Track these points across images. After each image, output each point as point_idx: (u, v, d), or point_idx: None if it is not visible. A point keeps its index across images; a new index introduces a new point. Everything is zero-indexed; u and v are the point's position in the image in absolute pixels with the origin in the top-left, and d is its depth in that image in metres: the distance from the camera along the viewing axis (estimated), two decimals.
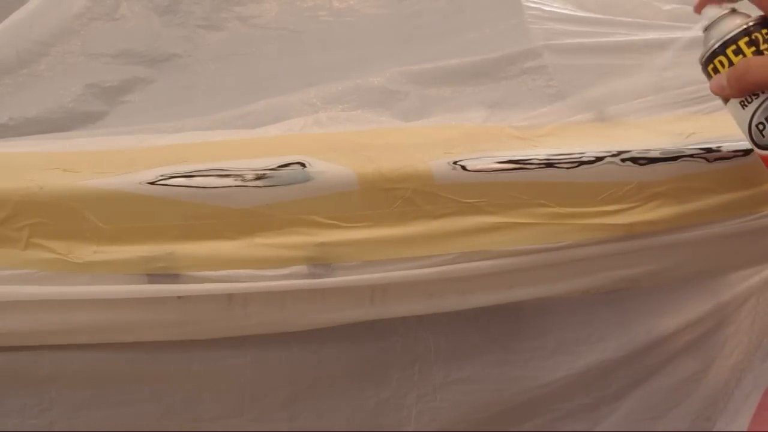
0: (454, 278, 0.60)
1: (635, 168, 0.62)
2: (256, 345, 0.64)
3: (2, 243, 0.52)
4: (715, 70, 0.54)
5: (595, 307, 0.77)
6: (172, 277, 0.55)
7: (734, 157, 0.65)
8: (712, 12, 0.55)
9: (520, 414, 0.78)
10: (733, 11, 0.54)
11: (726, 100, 0.55)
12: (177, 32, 0.86)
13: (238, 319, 0.58)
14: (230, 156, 0.59)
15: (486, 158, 0.60)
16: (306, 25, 0.87)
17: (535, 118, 0.74)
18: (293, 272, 0.57)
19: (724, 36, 0.53)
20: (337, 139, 0.69)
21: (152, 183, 0.54)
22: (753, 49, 0.52)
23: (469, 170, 0.59)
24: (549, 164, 0.61)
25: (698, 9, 0.56)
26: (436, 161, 0.59)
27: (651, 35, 0.84)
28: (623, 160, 0.62)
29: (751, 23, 0.53)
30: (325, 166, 0.57)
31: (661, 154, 0.63)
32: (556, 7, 0.86)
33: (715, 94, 0.55)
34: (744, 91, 0.53)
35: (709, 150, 0.64)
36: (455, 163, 0.59)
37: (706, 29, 0.55)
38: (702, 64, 0.56)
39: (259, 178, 0.55)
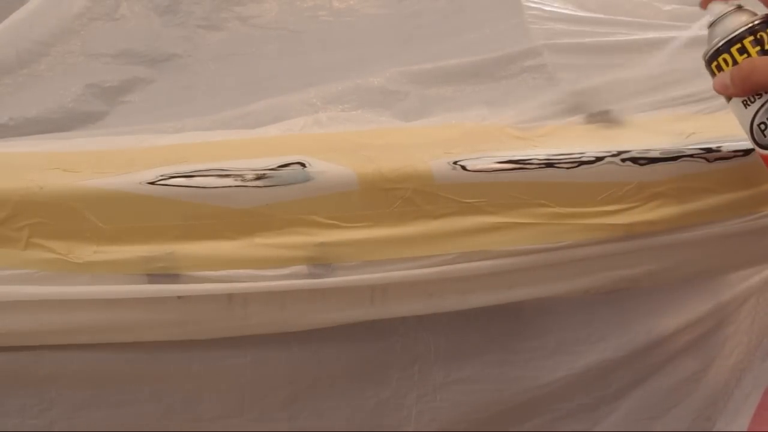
0: (454, 278, 0.60)
1: (635, 168, 0.62)
2: (256, 345, 0.64)
3: (2, 243, 0.52)
4: (719, 68, 0.54)
5: (595, 307, 0.77)
6: (172, 277, 0.55)
7: (734, 157, 0.65)
8: (717, 8, 0.54)
9: (520, 414, 0.78)
10: (739, 8, 0.53)
11: (728, 98, 0.55)
12: (177, 32, 0.86)
13: (238, 319, 0.58)
14: (230, 156, 0.59)
15: (486, 158, 0.60)
16: (306, 25, 0.87)
17: (535, 118, 0.74)
18: (293, 272, 0.57)
19: (729, 34, 0.52)
20: (337, 139, 0.69)
21: (152, 183, 0.54)
22: (758, 48, 0.52)
23: (469, 170, 0.59)
24: (549, 164, 0.61)
25: (704, 4, 0.55)
26: (436, 161, 0.59)
27: (651, 35, 0.84)
28: (623, 160, 0.62)
29: (756, 22, 0.52)
30: (325, 166, 0.57)
31: (661, 154, 0.63)
32: (556, 7, 0.86)
33: (718, 92, 0.55)
34: (748, 92, 0.53)
35: (709, 150, 0.64)
36: (455, 163, 0.59)
37: (711, 26, 0.54)
38: (705, 61, 0.55)
39: (259, 178, 0.55)
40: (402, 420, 0.72)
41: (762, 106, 0.52)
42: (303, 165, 0.57)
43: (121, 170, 0.55)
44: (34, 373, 0.59)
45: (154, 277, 0.55)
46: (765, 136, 0.53)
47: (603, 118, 0.75)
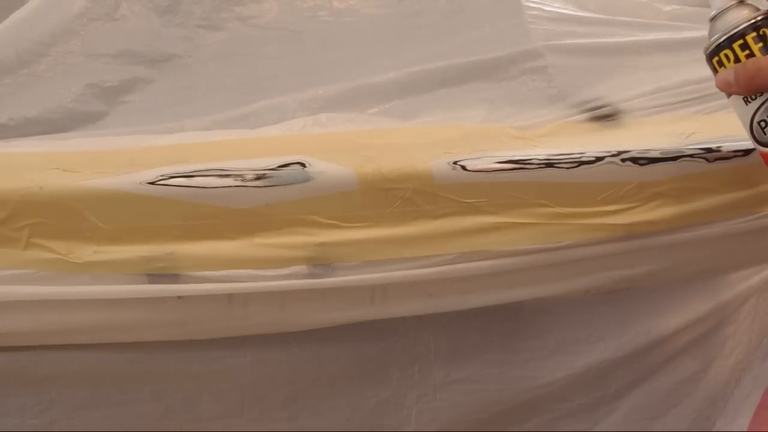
0: (454, 278, 0.60)
1: (635, 168, 0.62)
2: (256, 345, 0.64)
3: (2, 243, 0.52)
4: (720, 64, 0.53)
5: (595, 307, 0.77)
6: (172, 277, 0.55)
7: (734, 157, 0.65)
8: (720, 2, 0.53)
9: (520, 414, 0.78)
10: (741, 2, 0.52)
11: (729, 95, 0.54)
12: (177, 32, 0.85)
13: (238, 319, 0.58)
14: (230, 156, 0.59)
15: (486, 158, 0.60)
16: (306, 25, 0.87)
17: (535, 119, 0.74)
18: (293, 272, 0.57)
19: (731, 29, 0.51)
20: (337, 139, 0.69)
21: (152, 183, 0.54)
22: (761, 44, 0.51)
23: (469, 170, 0.59)
24: (549, 164, 0.61)
25: None
26: (436, 161, 0.59)
27: (651, 36, 0.84)
28: (623, 160, 0.62)
29: (759, 17, 0.51)
30: (325, 166, 0.57)
31: (661, 154, 0.63)
32: (556, 7, 0.86)
33: (720, 89, 0.54)
34: (752, 91, 0.52)
35: (709, 150, 0.64)
36: (455, 163, 0.59)
37: (712, 20, 0.53)
38: (706, 56, 0.54)
39: (259, 178, 0.55)
40: (402, 420, 0.72)
41: (763, 104, 0.52)
42: (303, 165, 0.57)
43: (121, 170, 0.55)
44: (34, 373, 0.59)
45: (154, 277, 0.55)
46: (765, 134, 0.53)
47: (603, 118, 0.75)
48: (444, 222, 0.60)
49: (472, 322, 0.72)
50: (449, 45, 0.84)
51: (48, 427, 0.61)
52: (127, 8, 0.85)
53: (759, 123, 0.53)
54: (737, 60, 0.52)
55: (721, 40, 0.52)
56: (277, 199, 0.56)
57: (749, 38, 0.51)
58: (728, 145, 0.65)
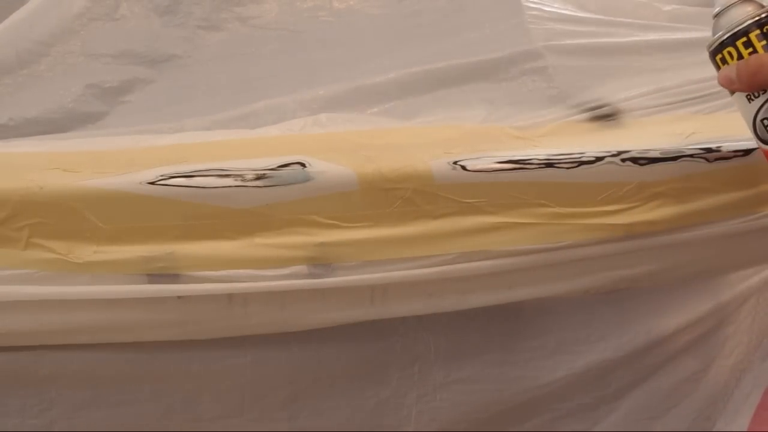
0: (454, 278, 0.60)
1: (635, 168, 0.62)
2: (256, 345, 0.64)
3: (2, 243, 0.52)
4: (723, 61, 0.53)
5: (595, 307, 0.77)
6: (172, 277, 0.55)
7: (734, 157, 0.65)
8: None
9: (520, 414, 0.78)
10: None
11: (732, 92, 0.54)
12: (177, 33, 0.85)
13: (238, 319, 0.58)
14: (230, 156, 0.59)
15: (486, 158, 0.60)
16: (306, 26, 0.87)
17: (535, 119, 0.74)
18: (293, 272, 0.57)
19: (735, 27, 0.51)
20: (337, 139, 0.69)
21: (152, 183, 0.54)
22: (764, 42, 0.50)
23: (469, 170, 0.59)
24: (549, 164, 0.61)
25: None
26: (436, 161, 0.59)
27: (651, 36, 0.84)
28: (623, 160, 0.62)
29: (764, 15, 0.51)
30: (325, 166, 0.57)
31: (661, 154, 0.63)
32: (556, 7, 0.86)
33: (722, 86, 0.54)
34: (754, 88, 0.52)
35: (709, 150, 0.64)
36: (455, 163, 0.59)
37: (716, 16, 0.53)
38: (709, 53, 0.54)
39: (259, 178, 0.55)
40: (402, 420, 0.72)
41: (766, 101, 0.51)
42: (303, 165, 0.57)
43: (121, 170, 0.55)
44: (34, 373, 0.59)
45: (154, 277, 0.55)
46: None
47: (603, 118, 0.75)
48: (444, 222, 0.60)
49: (472, 322, 0.72)
50: (449, 45, 0.84)
51: (48, 427, 0.61)
52: (127, 8, 0.85)
53: (762, 121, 0.52)
54: (740, 57, 0.52)
55: (725, 37, 0.52)
56: (277, 199, 0.56)
57: (753, 36, 0.51)
58: (728, 145, 0.65)
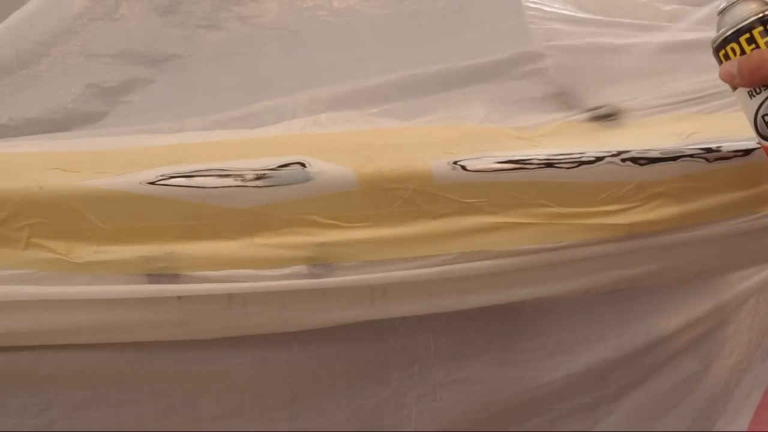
0: (454, 278, 0.60)
1: (635, 168, 0.62)
2: (256, 345, 0.64)
3: (2, 243, 0.52)
4: (726, 57, 0.53)
5: (595, 307, 0.77)
6: (172, 277, 0.55)
7: (734, 157, 0.65)
8: None
9: (520, 414, 0.78)
10: None
11: (734, 87, 0.54)
12: (177, 32, 0.85)
13: (238, 319, 0.58)
14: (230, 156, 0.59)
15: (486, 158, 0.60)
16: (306, 25, 0.87)
17: (535, 119, 0.74)
18: (293, 272, 0.57)
19: (739, 23, 0.51)
20: (337, 139, 0.69)
21: (152, 183, 0.54)
22: (767, 39, 0.51)
23: (469, 170, 0.59)
24: (549, 164, 0.61)
25: None
26: (436, 161, 0.59)
27: (651, 36, 0.84)
28: (623, 160, 0.62)
29: (767, 12, 0.51)
30: (325, 166, 0.57)
31: (661, 154, 0.63)
32: (556, 7, 0.86)
33: (724, 81, 0.54)
34: (756, 84, 0.52)
35: (709, 150, 0.64)
36: (455, 163, 0.59)
37: (721, 12, 0.53)
38: (713, 49, 0.54)
39: (259, 178, 0.55)
40: (402, 420, 0.72)
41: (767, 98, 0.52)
42: (303, 165, 0.57)
43: (121, 170, 0.55)
44: (34, 373, 0.59)
45: (154, 277, 0.55)
46: None
47: (603, 118, 0.75)
48: (444, 222, 0.60)
49: (472, 322, 0.72)
50: (449, 45, 0.84)
51: (48, 427, 0.61)
52: (127, 8, 0.85)
53: (763, 117, 0.52)
54: (743, 53, 0.52)
55: (728, 33, 0.52)
56: (277, 199, 0.56)
57: (756, 32, 0.51)
58: (728, 145, 0.65)
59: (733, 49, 0.52)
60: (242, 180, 0.55)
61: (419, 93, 0.79)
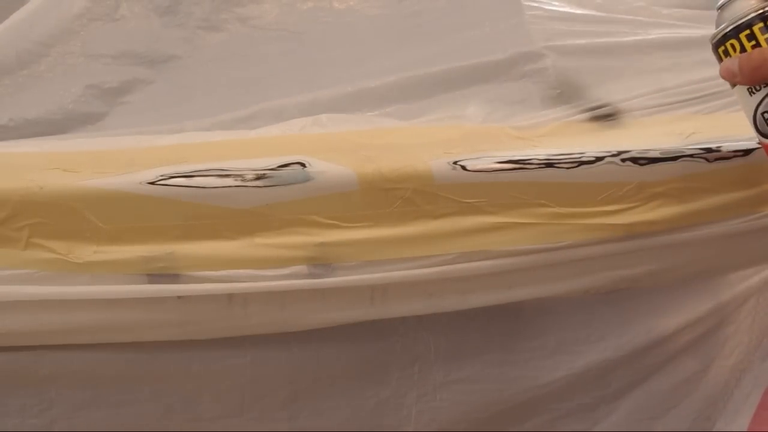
0: (454, 278, 0.60)
1: (635, 168, 0.62)
2: (256, 345, 0.64)
3: (2, 243, 0.52)
4: (726, 53, 0.52)
5: (595, 307, 0.77)
6: (172, 277, 0.55)
7: (734, 157, 0.65)
8: None
9: (520, 414, 0.78)
10: None
11: (734, 85, 0.54)
12: (177, 33, 0.85)
13: (238, 319, 0.58)
14: (230, 156, 0.59)
15: (486, 158, 0.60)
16: (306, 26, 0.87)
17: (535, 119, 0.74)
18: (293, 272, 0.57)
19: (738, 19, 0.51)
20: (337, 139, 0.69)
21: (152, 183, 0.54)
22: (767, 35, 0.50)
23: (469, 170, 0.59)
24: (549, 164, 0.61)
25: None
26: (436, 161, 0.59)
27: (651, 35, 0.84)
28: (623, 160, 0.62)
29: (767, 7, 0.50)
30: (325, 166, 0.57)
31: (661, 154, 0.63)
32: (556, 6, 0.86)
33: (724, 78, 0.53)
34: (755, 82, 0.51)
35: (709, 150, 0.64)
36: (455, 163, 0.59)
37: (720, 8, 0.52)
38: (713, 46, 0.54)
39: (259, 178, 0.55)
40: (402, 420, 0.72)
41: (767, 95, 0.51)
42: (303, 165, 0.57)
43: (121, 170, 0.55)
44: (34, 373, 0.59)
45: (154, 277, 0.55)
46: None
47: (603, 118, 0.75)
48: (444, 222, 0.60)
49: (472, 322, 0.72)
50: (449, 45, 0.84)
51: (48, 427, 0.61)
52: (127, 9, 0.85)
53: (763, 114, 0.52)
54: (743, 50, 0.51)
55: (728, 29, 0.52)
56: (277, 199, 0.56)
57: (756, 28, 0.50)
58: (728, 145, 0.65)
59: (732, 46, 0.52)
60: (242, 180, 0.55)
61: (419, 93, 0.79)
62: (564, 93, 0.78)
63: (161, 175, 0.54)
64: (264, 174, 0.55)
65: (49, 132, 0.73)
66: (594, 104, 0.76)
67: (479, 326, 0.72)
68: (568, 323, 0.77)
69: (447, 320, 0.70)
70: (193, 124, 0.74)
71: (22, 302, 0.53)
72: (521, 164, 0.60)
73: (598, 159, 0.62)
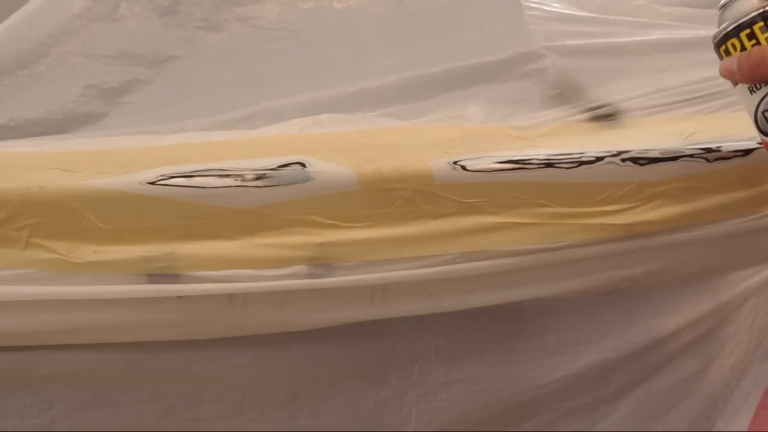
0: (454, 278, 0.60)
1: (635, 168, 0.62)
2: (256, 345, 0.64)
3: (2, 243, 0.52)
4: (727, 52, 0.53)
5: (595, 307, 0.77)
6: (172, 277, 0.55)
7: (734, 157, 0.65)
8: None
9: (520, 414, 0.78)
10: None
11: (735, 83, 0.54)
12: (177, 33, 0.85)
13: (238, 319, 0.58)
14: (230, 156, 0.59)
15: (486, 158, 0.60)
16: (306, 26, 0.87)
17: (535, 119, 0.74)
18: (293, 272, 0.57)
19: (740, 18, 0.51)
20: (337, 139, 0.69)
21: (152, 183, 0.54)
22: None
23: (469, 170, 0.59)
24: (549, 164, 0.61)
25: None
26: (436, 161, 0.59)
27: (651, 36, 0.84)
28: (623, 160, 0.62)
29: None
30: (325, 166, 0.57)
31: (661, 154, 0.63)
32: (556, 7, 0.86)
33: (724, 77, 0.54)
34: (755, 80, 0.51)
35: (709, 150, 0.64)
36: (455, 163, 0.59)
37: (722, 7, 0.53)
38: (714, 44, 0.54)
39: (259, 178, 0.55)
40: (402, 420, 0.72)
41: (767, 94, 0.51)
42: (303, 165, 0.57)
43: (121, 170, 0.55)
44: (34, 373, 0.59)
45: (154, 277, 0.55)
46: None
47: (603, 118, 0.75)
48: (444, 222, 0.60)
49: (472, 322, 0.72)
50: (449, 45, 0.84)
51: (48, 427, 0.61)
52: (127, 9, 0.85)
53: (763, 113, 0.52)
54: (743, 49, 0.51)
55: (729, 28, 0.52)
56: (277, 199, 0.56)
57: (756, 28, 0.51)
58: (728, 145, 0.65)
59: (733, 45, 0.52)
60: (242, 180, 0.55)
61: (419, 93, 0.79)
62: (564, 93, 0.78)
63: (161, 175, 0.54)
64: (264, 174, 0.55)
65: (49, 132, 0.74)
66: (594, 104, 0.76)
67: (479, 326, 0.72)
68: (568, 323, 0.77)
69: (447, 320, 0.70)
70: (193, 124, 0.74)
71: (22, 302, 0.53)
72: (521, 164, 0.60)
73: (598, 159, 0.62)
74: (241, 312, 0.57)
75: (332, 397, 0.69)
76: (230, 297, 0.57)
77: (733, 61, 0.52)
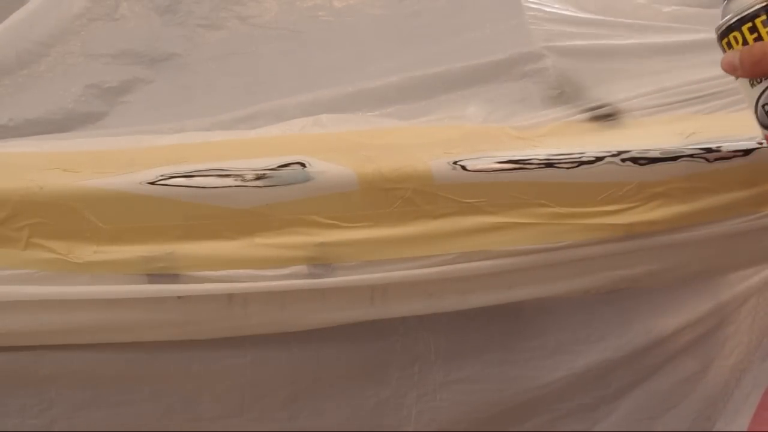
0: (454, 278, 0.60)
1: (635, 168, 0.62)
2: (256, 345, 0.64)
3: (2, 243, 0.52)
4: (729, 45, 0.53)
5: (595, 307, 0.77)
6: (172, 277, 0.55)
7: (734, 157, 0.65)
8: None
9: (520, 414, 0.78)
10: None
11: (736, 77, 0.54)
12: (177, 32, 0.86)
13: (238, 319, 0.58)
14: (230, 156, 0.59)
15: (486, 158, 0.60)
16: (306, 25, 0.87)
17: (535, 119, 0.74)
18: (293, 272, 0.57)
19: (742, 12, 0.51)
20: (337, 139, 0.69)
21: (152, 183, 0.54)
22: None
23: (469, 170, 0.59)
24: (549, 164, 0.61)
25: None
26: (436, 161, 0.59)
27: (651, 37, 0.84)
28: (623, 160, 0.62)
29: None
30: (325, 166, 0.57)
31: (661, 154, 0.63)
32: (556, 8, 0.86)
33: (725, 71, 0.53)
34: (756, 75, 0.51)
35: (709, 150, 0.64)
36: (455, 163, 0.59)
37: (726, 0, 0.53)
38: (717, 37, 0.54)
39: (259, 178, 0.55)
40: (402, 420, 0.72)
41: None
42: (303, 165, 0.57)
43: (121, 170, 0.55)
44: (34, 373, 0.59)
45: (154, 277, 0.55)
46: None
47: (603, 118, 0.75)
48: (444, 222, 0.60)
49: (472, 322, 0.72)
50: (450, 45, 0.84)
51: (48, 427, 0.61)
52: (127, 8, 0.85)
53: (764, 106, 0.52)
54: (745, 43, 0.51)
55: (732, 21, 0.52)
56: (277, 199, 0.56)
57: (759, 21, 0.50)
58: (728, 145, 0.65)
59: (735, 38, 0.52)
60: (242, 180, 0.55)
61: (419, 94, 0.79)
62: (564, 93, 0.78)
63: (161, 175, 0.54)
64: (264, 174, 0.55)
65: (49, 132, 0.74)
66: (594, 104, 0.76)
67: (479, 326, 0.72)
68: (568, 323, 0.77)
69: (447, 320, 0.70)
70: (193, 123, 0.74)
71: (22, 302, 0.53)
72: (521, 164, 0.60)
73: (598, 159, 0.62)
74: (241, 312, 0.57)
75: (332, 397, 0.69)
76: (230, 297, 0.57)
77: (734, 55, 0.52)
